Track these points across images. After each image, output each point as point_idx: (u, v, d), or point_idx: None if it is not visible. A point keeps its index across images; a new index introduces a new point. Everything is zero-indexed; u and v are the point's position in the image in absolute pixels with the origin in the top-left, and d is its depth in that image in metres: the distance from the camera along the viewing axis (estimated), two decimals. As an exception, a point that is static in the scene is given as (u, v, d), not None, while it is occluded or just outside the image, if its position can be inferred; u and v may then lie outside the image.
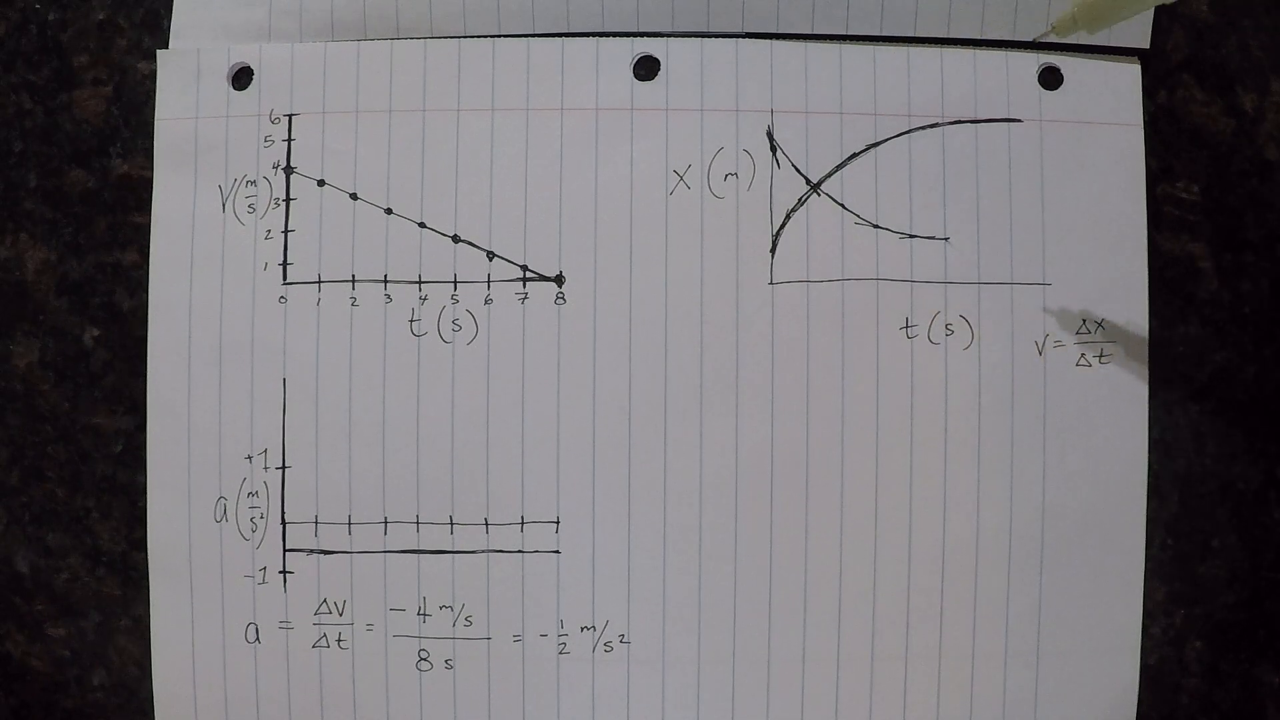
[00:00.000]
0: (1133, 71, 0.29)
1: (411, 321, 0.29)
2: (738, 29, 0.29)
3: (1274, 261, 0.29)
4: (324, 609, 0.29)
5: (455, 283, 0.29)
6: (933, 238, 0.29)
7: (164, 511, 0.29)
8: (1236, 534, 0.29)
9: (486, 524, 0.29)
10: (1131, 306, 0.29)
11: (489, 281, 0.29)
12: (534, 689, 0.29)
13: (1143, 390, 0.29)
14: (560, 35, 0.29)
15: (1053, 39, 0.25)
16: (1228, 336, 0.29)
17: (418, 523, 0.29)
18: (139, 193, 0.30)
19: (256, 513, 0.29)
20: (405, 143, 0.29)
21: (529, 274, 0.29)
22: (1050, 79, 0.29)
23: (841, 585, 0.29)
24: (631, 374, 0.29)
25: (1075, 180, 0.29)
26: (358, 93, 0.29)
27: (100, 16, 0.30)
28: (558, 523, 0.29)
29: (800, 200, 0.29)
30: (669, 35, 0.29)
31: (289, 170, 0.29)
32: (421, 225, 0.29)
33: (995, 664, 0.29)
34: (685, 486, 0.29)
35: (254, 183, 0.29)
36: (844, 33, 0.29)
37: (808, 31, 0.29)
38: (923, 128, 0.29)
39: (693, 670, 0.29)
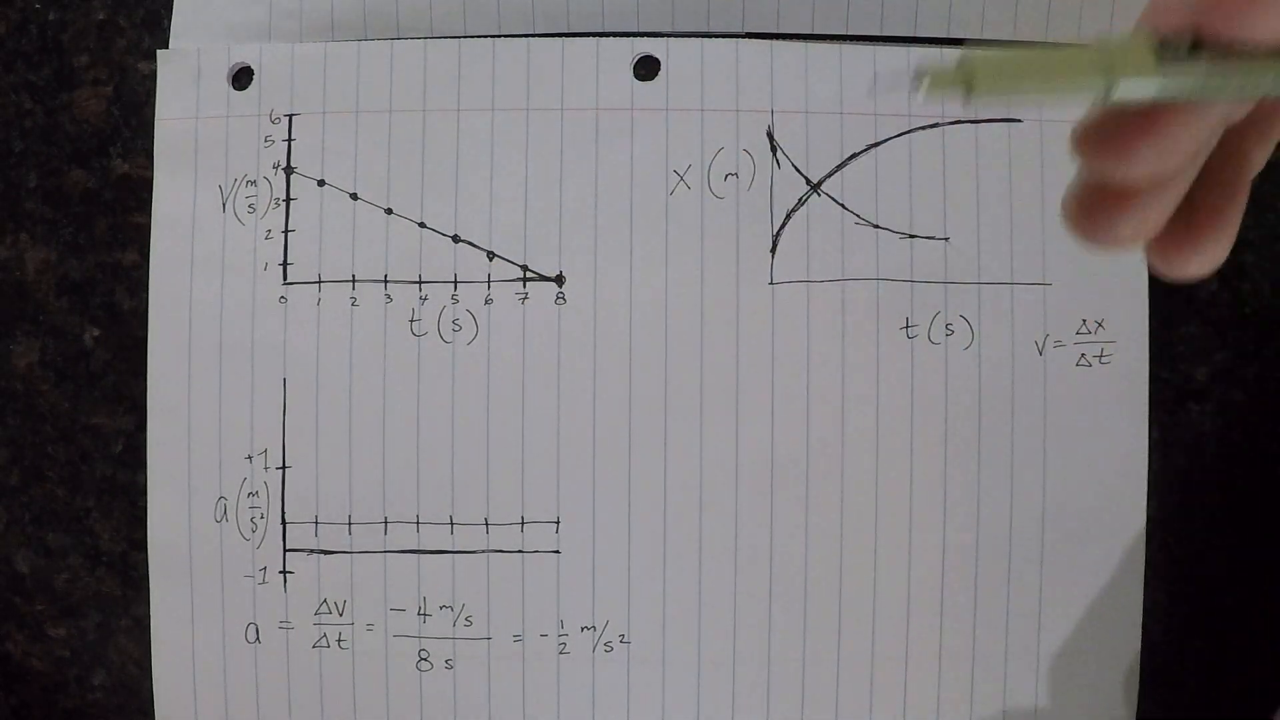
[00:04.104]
0: (1133, 71, 0.29)
1: (411, 321, 0.29)
2: (738, 29, 0.29)
3: (1274, 261, 0.29)
4: (324, 609, 0.29)
5: (455, 283, 0.29)
6: (933, 238, 0.29)
7: (164, 511, 0.29)
8: (1236, 534, 0.29)
9: (486, 524, 0.29)
10: (1131, 306, 0.29)
11: (489, 281, 0.29)
12: (534, 689, 0.29)
13: (1143, 390, 0.29)
14: (560, 35, 0.29)
15: (922, 97, 0.19)
16: (1228, 336, 0.29)
17: (418, 523, 0.29)
18: (139, 193, 0.30)
19: (256, 513, 0.29)
20: (405, 143, 0.29)
21: (529, 274, 0.29)
22: (1050, 79, 0.29)
23: (841, 585, 0.29)
24: (631, 374, 0.29)
25: (1075, 180, 0.29)
26: (358, 93, 0.29)
27: (100, 16, 0.30)
28: (558, 523, 0.29)
29: (800, 200, 0.29)
30: (669, 35, 0.29)
31: (289, 170, 0.29)
32: (421, 225, 0.29)
33: (995, 664, 0.29)
34: (685, 486, 0.29)
35: (254, 183, 0.29)
36: (844, 33, 0.29)
37: (808, 31, 0.29)
38: (923, 128, 0.29)
39: (693, 670, 0.29)
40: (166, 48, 0.30)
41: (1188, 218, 0.16)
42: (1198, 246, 0.16)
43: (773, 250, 0.29)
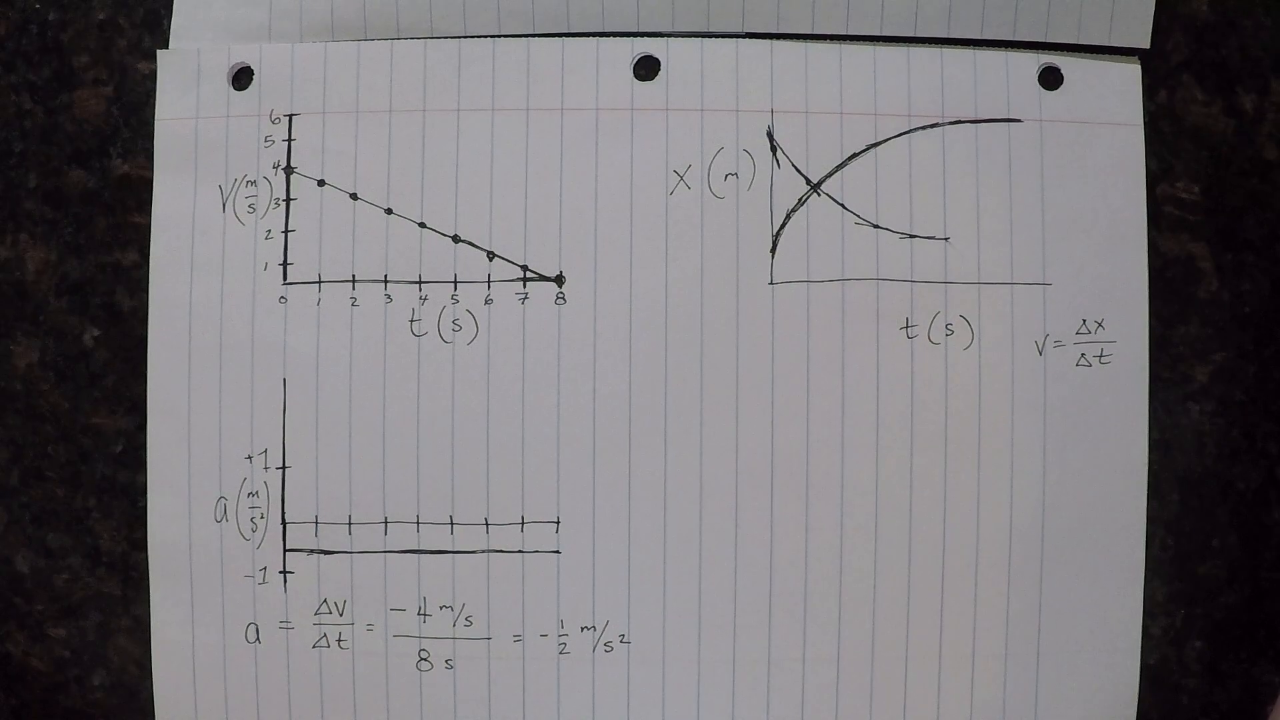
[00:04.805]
0: (1133, 71, 0.29)
1: (411, 321, 0.29)
2: (738, 29, 0.29)
3: (1274, 261, 0.29)
4: (324, 609, 0.29)
5: (455, 283, 0.29)
6: (933, 238, 0.29)
7: (164, 511, 0.29)
8: (1236, 534, 0.29)
9: (486, 524, 0.29)
10: (1131, 306, 0.29)
11: (489, 281, 0.29)
12: (534, 689, 0.29)
13: (1143, 390, 0.29)
14: (560, 35, 0.29)
15: None
16: (1228, 336, 0.29)
17: (418, 523, 0.29)
18: (139, 193, 0.30)
19: (256, 513, 0.29)
20: (405, 143, 0.29)
21: (529, 274, 0.29)
22: (1050, 79, 0.29)
23: (841, 585, 0.29)
24: (631, 374, 0.29)
25: (1075, 180, 0.29)
26: (358, 93, 0.29)
27: (100, 16, 0.30)
28: (558, 523, 0.29)
29: (800, 200, 0.29)
30: (669, 35, 0.29)
31: (289, 170, 0.29)
32: (421, 225, 0.29)
33: (995, 664, 0.29)
34: (685, 486, 0.29)
35: (254, 183, 0.29)
36: (844, 33, 0.29)
37: (808, 31, 0.29)
38: (923, 128, 0.29)
39: (693, 670, 0.29)
40: (166, 48, 0.30)
41: None
42: None
43: (773, 250, 0.29)
